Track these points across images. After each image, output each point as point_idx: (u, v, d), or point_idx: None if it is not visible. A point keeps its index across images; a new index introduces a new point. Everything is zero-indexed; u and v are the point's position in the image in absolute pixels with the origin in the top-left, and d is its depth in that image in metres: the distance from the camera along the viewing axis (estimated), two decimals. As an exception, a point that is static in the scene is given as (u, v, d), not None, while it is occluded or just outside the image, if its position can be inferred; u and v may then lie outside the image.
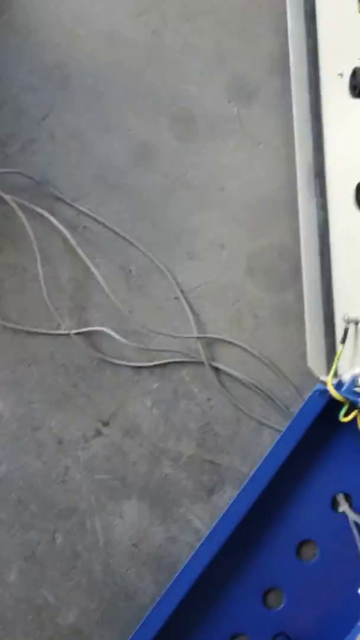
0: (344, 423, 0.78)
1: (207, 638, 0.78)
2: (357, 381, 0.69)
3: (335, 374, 0.73)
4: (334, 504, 0.79)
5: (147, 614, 0.76)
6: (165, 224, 0.85)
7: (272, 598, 0.78)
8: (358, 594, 0.64)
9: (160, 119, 0.86)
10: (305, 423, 0.76)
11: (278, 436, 0.77)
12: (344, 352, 0.72)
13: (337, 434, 0.79)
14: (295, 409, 0.78)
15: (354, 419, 0.70)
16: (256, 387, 0.82)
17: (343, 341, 0.71)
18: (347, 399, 0.69)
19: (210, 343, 0.83)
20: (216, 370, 0.82)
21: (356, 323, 0.70)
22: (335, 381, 0.72)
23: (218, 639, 0.78)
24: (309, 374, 0.80)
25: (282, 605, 0.78)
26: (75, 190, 0.86)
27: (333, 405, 0.75)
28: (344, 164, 0.77)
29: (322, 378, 0.77)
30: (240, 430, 0.82)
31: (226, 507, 0.76)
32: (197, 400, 0.82)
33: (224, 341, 0.83)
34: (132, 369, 0.83)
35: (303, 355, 0.80)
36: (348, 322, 0.70)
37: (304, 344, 0.80)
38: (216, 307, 0.83)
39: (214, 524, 0.76)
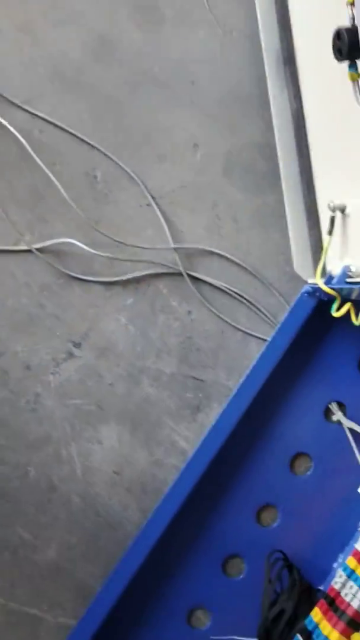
0: (334, 328, 0.74)
1: (200, 563, 0.73)
2: (349, 271, 0.63)
3: (324, 270, 0.68)
4: (327, 414, 0.75)
5: (132, 542, 0.71)
6: (131, 124, 0.77)
7: (266, 516, 0.74)
8: (358, 492, 0.60)
9: (121, 8, 0.78)
10: (293, 328, 0.71)
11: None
12: (332, 246, 0.66)
13: (326, 340, 0.74)
14: (282, 317, 0.72)
15: (347, 316, 0.65)
16: (240, 296, 0.76)
17: (330, 232, 0.66)
18: (339, 292, 0.64)
19: (188, 253, 0.77)
20: (196, 281, 0.76)
21: (342, 210, 0.64)
22: (324, 278, 0.67)
23: (211, 564, 0.73)
24: (295, 280, 0.74)
25: (277, 523, 0.74)
26: (29, 91, 0.77)
27: (322, 309, 0.70)
28: (314, 40, 0.70)
29: (310, 281, 0.72)
30: (225, 343, 0.76)
31: (212, 424, 0.71)
32: (177, 314, 0.76)
33: (202, 250, 0.76)
34: (103, 284, 0.76)
35: (288, 260, 0.75)
36: (334, 209, 0.64)
37: (289, 248, 0.74)
38: (192, 213, 0.77)
39: (199, 443, 0.71)
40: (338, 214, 0.65)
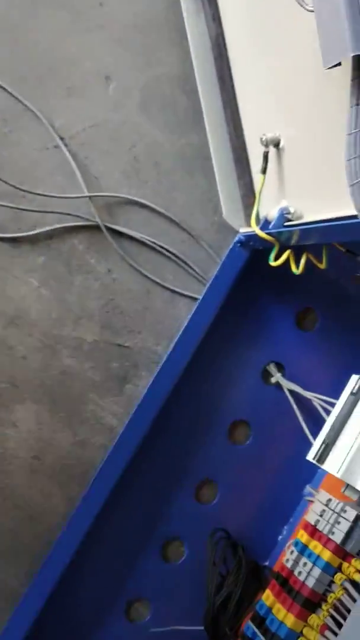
0: (270, 282, 0.67)
1: (136, 550, 0.66)
2: (287, 213, 0.56)
3: (258, 216, 0.60)
4: (265, 376, 0.69)
5: (59, 535, 0.63)
6: (32, 52, 0.66)
7: (205, 492, 0.67)
8: (307, 459, 0.55)
9: None
10: (225, 284, 0.64)
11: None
12: (266, 187, 0.59)
13: (262, 296, 0.68)
14: (213, 273, 0.65)
15: (283, 268, 0.58)
16: (166, 250, 0.68)
17: (264, 171, 0.58)
18: (277, 237, 0.56)
19: (105, 202, 0.67)
20: (116, 234, 0.67)
21: (276, 144, 0.57)
22: (259, 225, 0.60)
23: (149, 550, 0.66)
24: (225, 229, 0.67)
25: (216, 499, 0.67)
26: None
27: (256, 261, 0.63)
28: None
29: (242, 230, 0.64)
30: (151, 304, 0.68)
31: (142, 396, 0.63)
32: (96, 273, 0.67)
33: (121, 198, 0.67)
34: (8, 242, 0.65)
35: (217, 208, 0.67)
36: (267, 144, 0.56)
37: (217, 194, 0.66)
38: (107, 155, 0.67)
39: (129, 418, 0.63)
40: (272, 149, 0.57)
